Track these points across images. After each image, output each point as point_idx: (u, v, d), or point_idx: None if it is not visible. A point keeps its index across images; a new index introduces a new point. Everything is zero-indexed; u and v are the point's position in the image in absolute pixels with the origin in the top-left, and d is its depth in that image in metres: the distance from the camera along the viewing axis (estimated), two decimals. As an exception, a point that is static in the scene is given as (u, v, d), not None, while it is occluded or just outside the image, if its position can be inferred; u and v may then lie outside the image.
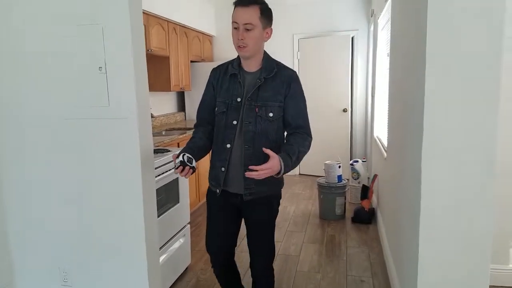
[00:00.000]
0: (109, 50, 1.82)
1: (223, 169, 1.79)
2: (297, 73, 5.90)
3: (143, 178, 1.90)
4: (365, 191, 4.13)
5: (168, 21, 4.46)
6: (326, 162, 4.08)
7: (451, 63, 1.54)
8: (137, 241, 1.93)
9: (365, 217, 3.82)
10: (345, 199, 4.02)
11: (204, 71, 5.47)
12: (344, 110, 5.60)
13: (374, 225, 3.79)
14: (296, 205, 4.54)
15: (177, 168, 1.64)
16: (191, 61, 5.32)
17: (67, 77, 1.89)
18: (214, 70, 1.89)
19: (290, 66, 5.94)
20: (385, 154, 3.31)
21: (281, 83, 1.79)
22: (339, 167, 4.00)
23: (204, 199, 2.78)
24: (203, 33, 5.62)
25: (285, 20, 5.71)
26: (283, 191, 2.02)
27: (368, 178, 4.69)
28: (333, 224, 3.89)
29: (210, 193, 1.94)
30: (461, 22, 1.51)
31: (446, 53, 1.53)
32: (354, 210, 3.96)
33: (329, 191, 3.96)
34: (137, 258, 1.95)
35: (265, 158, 1.62)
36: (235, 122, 1.76)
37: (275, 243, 2.00)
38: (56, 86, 1.91)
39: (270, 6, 1.78)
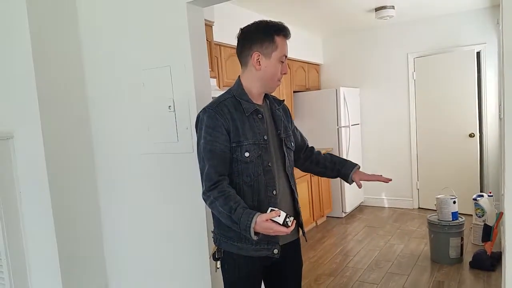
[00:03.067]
0: (176, 89, 2.10)
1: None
2: (414, 94, 5.55)
3: (207, 207, 2.09)
4: (488, 231, 3.62)
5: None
6: (439, 196, 3.73)
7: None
8: (202, 266, 2.11)
9: (487, 263, 3.34)
10: (461, 240, 3.59)
11: (308, 99, 5.61)
12: (471, 135, 5.05)
13: (498, 273, 3.29)
14: (405, 243, 4.22)
15: (291, 225, 1.40)
16: (294, 91, 5.52)
17: (142, 115, 2.22)
18: (215, 111, 1.56)
19: (405, 88, 5.60)
20: None
21: (284, 112, 1.82)
22: (454, 202, 3.62)
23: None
24: (308, 63, 5.80)
25: (397, 39, 5.56)
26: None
27: (496, 214, 4.10)
28: (445, 269, 3.49)
29: (244, 262, 1.63)
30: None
31: None
32: (474, 253, 3.50)
33: (441, 230, 3.59)
34: (203, 282, 2.12)
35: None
36: (270, 164, 1.62)
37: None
38: (134, 124, 2.27)
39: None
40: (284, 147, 1.70)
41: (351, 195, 5.60)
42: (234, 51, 4.06)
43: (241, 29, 1.64)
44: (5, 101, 2.33)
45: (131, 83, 2.24)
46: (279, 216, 1.39)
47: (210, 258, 1.76)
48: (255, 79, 1.63)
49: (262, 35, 1.58)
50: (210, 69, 3.46)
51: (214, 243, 1.70)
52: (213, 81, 3.44)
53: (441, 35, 5.31)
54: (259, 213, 1.42)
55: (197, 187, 2.05)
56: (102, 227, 2.48)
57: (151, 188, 2.26)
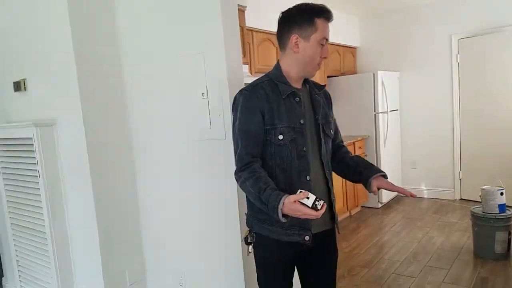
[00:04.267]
0: (209, 76, 2.18)
1: None
2: (458, 79, 5.39)
3: (239, 194, 2.18)
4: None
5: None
6: (484, 187, 3.65)
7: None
8: (235, 251, 2.22)
9: (534, 258, 3.28)
10: (509, 234, 3.52)
11: (343, 84, 5.59)
12: (519, 123, 4.89)
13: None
14: (446, 236, 4.19)
15: (321, 208, 1.41)
16: (328, 76, 5.51)
17: (176, 102, 2.34)
18: (250, 93, 1.62)
19: (448, 71, 5.41)
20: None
21: (325, 98, 1.83)
22: (502, 194, 3.53)
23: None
24: (344, 46, 5.76)
25: (440, 19, 5.42)
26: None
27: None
28: (490, 265, 3.45)
29: (275, 247, 1.67)
30: None
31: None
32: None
33: (486, 223, 3.53)
34: (235, 265, 2.23)
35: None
36: (305, 149, 1.64)
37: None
38: (168, 111, 2.39)
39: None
40: (321, 133, 1.71)
41: (389, 184, 5.55)
42: (267, 36, 4.20)
43: (282, 12, 1.67)
44: (49, 90, 2.53)
45: (166, 70, 2.35)
46: (307, 198, 1.40)
47: (242, 241, 1.83)
48: (293, 63, 1.66)
49: (302, 17, 1.60)
50: (242, 55, 3.53)
51: (247, 225, 1.77)
52: (245, 67, 3.51)
53: (487, 14, 5.12)
54: (287, 194, 1.45)
55: (230, 173, 2.15)
56: (139, 210, 2.65)
57: (185, 174, 2.38)
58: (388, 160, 5.56)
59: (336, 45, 5.56)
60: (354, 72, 6.09)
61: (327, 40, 1.64)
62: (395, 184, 1.74)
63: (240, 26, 3.50)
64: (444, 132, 5.62)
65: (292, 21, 1.62)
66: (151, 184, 2.57)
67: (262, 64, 4.11)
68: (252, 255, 1.79)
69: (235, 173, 1.63)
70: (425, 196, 5.80)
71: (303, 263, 1.80)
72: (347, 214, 5.10)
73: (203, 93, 2.23)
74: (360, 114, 5.47)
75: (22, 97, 2.74)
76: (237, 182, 1.63)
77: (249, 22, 3.69)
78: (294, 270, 1.80)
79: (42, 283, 2.69)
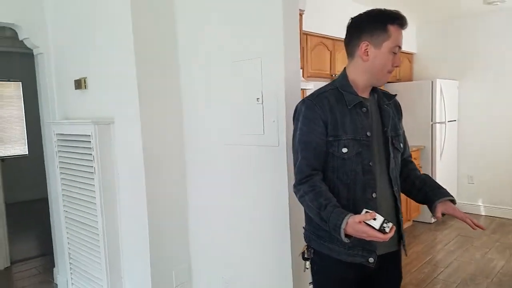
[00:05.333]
0: (265, 82, 2.14)
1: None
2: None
3: (290, 202, 2.11)
4: None
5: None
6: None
7: None
8: (284, 264, 2.16)
9: None
10: None
11: (399, 91, 5.29)
12: None
13: None
14: (507, 259, 3.90)
15: (389, 231, 1.30)
16: (385, 83, 5.31)
17: (230, 106, 2.31)
18: (314, 102, 1.54)
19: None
20: None
21: (395, 108, 1.72)
22: None
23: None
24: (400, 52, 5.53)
25: (505, 25, 5.10)
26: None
27: None
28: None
29: (335, 266, 1.58)
30: None
31: None
32: None
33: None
34: (283, 278, 2.16)
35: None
36: (371, 164, 1.53)
37: None
38: (222, 115, 2.36)
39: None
40: (390, 146, 1.59)
41: (443, 198, 5.28)
42: (320, 40, 4.12)
43: (352, 18, 1.59)
44: (109, 89, 2.59)
45: (222, 74, 2.33)
46: (374, 219, 1.29)
47: (299, 256, 1.75)
48: (361, 71, 1.56)
49: (373, 23, 1.51)
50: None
51: (304, 240, 1.69)
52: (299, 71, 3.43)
53: None
54: (352, 213, 1.35)
55: (281, 180, 2.10)
56: (188, 212, 2.65)
57: (236, 179, 2.35)
58: (444, 173, 5.28)
59: (393, 51, 5.35)
60: (410, 79, 5.85)
61: (400, 48, 1.53)
62: (460, 211, 1.60)
63: (296, 30, 3.46)
64: (505, 145, 5.26)
65: (363, 27, 1.54)
66: (202, 187, 2.56)
67: (315, 68, 4.03)
68: (308, 272, 1.71)
69: (294, 186, 1.56)
70: (482, 214, 5.46)
71: (363, 286, 1.66)
72: (397, 227, 4.88)
73: (258, 98, 2.18)
74: (416, 124, 5.23)
75: (82, 95, 2.83)
76: (296, 195, 1.56)
77: (304, 26, 3.62)
78: None
79: (92, 277, 2.75)
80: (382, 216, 1.31)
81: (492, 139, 5.36)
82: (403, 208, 4.84)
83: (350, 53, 1.60)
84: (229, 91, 2.30)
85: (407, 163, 1.77)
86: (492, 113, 5.34)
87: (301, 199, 1.52)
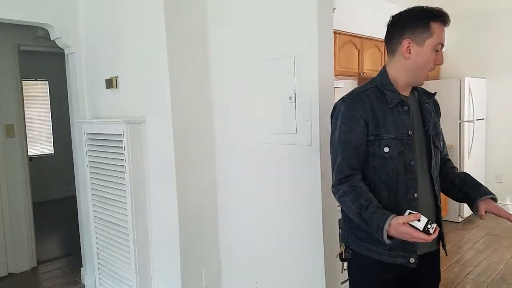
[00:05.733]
0: (298, 80, 2.11)
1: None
2: None
3: (323, 202, 2.08)
4: None
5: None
6: None
7: None
8: (317, 266, 2.13)
9: None
10: None
11: (429, 89, 5.25)
12: None
13: None
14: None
15: (433, 232, 1.28)
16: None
17: (263, 105, 2.29)
18: (353, 101, 1.51)
19: None
20: None
21: (434, 106, 1.69)
22: None
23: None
24: (429, 48, 5.43)
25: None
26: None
27: None
28: None
29: (374, 267, 1.55)
30: None
31: None
32: None
33: None
34: (315, 281, 2.14)
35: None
36: (412, 163, 1.50)
37: None
38: (255, 113, 2.35)
39: None
40: (432, 145, 1.58)
41: (471, 198, 5.17)
42: (349, 38, 4.09)
43: (392, 16, 1.57)
44: (140, 89, 2.60)
45: (255, 72, 2.31)
46: (419, 220, 1.26)
47: (336, 257, 1.73)
48: (403, 69, 1.54)
49: (415, 21, 1.49)
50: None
51: (342, 241, 1.66)
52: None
53: None
54: (394, 214, 1.33)
55: (315, 181, 2.07)
56: (217, 212, 2.64)
57: (267, 178, 2.32)
58: (472, 172, 5.01)
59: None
60: (437, 77, 5.73)
61: (442, 45, 1.50)
62: (503, 209, 1.56)
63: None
64: (536, 144, 5.11)
65: (405, 24, 1.50)
66: (232, 186, 2.55)
67: (343, 67, 3.98)
68: (339, 273, 1.69)
69: (333, 186, 1.53)
70: (511, 213, 5.30)
71: (402, 286, 1.63)
72: (424, 227, 4.79)
73: (290, 97, 2.16)
74: (444, 122, 4.98)
75: (113, 94, 2.84)
76: (335, 195, 1.53)
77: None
78: None
79: (121, 278, 2.75)
80: (425, 217, 1.28)
81: (520, 137, 5.22)
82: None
83: (392, 50, 1.57)
84: (262, 90, 2.29)
85: (445, 162, 1.74)
86: (521, 111, 5.20)
87: (340, 199, 1.50)
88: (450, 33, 5.56)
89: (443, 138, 1.72)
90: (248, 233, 2.48)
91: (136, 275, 2.57)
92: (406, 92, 1.58)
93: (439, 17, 1.48)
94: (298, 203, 2.19)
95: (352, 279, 1.66)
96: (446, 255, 1.68)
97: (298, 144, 2.15)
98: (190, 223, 2.48)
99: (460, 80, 5.00)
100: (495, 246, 4.19)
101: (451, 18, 1.54)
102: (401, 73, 1.54)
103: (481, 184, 1.65)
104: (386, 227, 1.31)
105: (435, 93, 1.70)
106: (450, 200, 5.05)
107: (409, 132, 1.51)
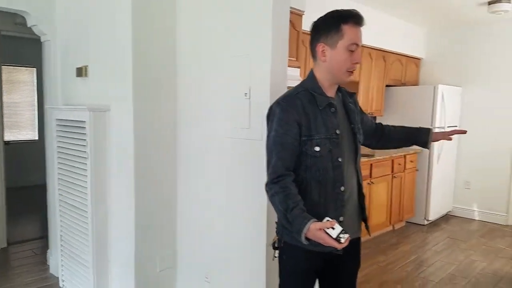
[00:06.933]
0: (253, 78, 2.17)
1: (341, 218, 1.60)
2: None
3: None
4: None
5: (363, 46, 4.64)
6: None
7: None
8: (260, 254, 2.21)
9: None
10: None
11: (402, 95, 5.37)
12: None
13: None
14: (489, 262, 3.91)
15: (344, 242, 1.38)
16: (388, 85, 5.31)
17: (222, 101, 2.36)
18: (288, 104, 1.59)
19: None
20: None
21: (355, 104, 1.80)
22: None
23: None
24: (407, 56, 5.52)
25: (510, 35, 5.05)
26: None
27: None
28: (531, 297, 3.19)
29: (304, 256, 1.64)
30: None
31: None
32: None
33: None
34: (258, 268, 2.21)
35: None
36: (340, 159, 1.61)
37: None
38: (213, 108, 2.42)
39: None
40: (357, 141, 1.71)
41: (438, 202, 5.29)
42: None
43: (313, 22, 1.65)
44: (106, 78, 2.66)
45: (215, 69, 2.39)
46: (333, 229, 1.37)
47: (269, 246, 1.81)
48: (323, 72, 1.63)
49: (328, 25, 1.57)
50: (295, 59, 3.50)
51: (276, 234, 1.74)
52: (297, 71, 3.46)
53: None
54: (315, 219, 1.42)
55: (262, 174, 2.13)
56: (177, 201, 2.71)
57: (222, 170, 2.39)
58: (440, 177, 5.28)
59: (399, 54, 5.35)
60: (416, 83, 5.83)
61: (357, 45, 1.57)
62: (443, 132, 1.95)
63: (296, 30, 3.49)
64: (502, 153, 5.25)
65: (319, 29, 1.60)
66: (190, 177, 2.61)
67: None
68: (276, 261, 1.76)
69: (266, 185, 1.60)
70: (476, 218, 5.44)
71: (326, 271, 1.75)
72: (390, 228, 4.89)
73: (246, 93, 2.23)
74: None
75: (83, 83, 2.89)
76: (267, 194, 1.60)
77: (306, 26, 3.62)
78: (316, 278, 1.78)
79: (80, 260, 2.82)
80: (340, 226, 1.39)
81: (490, 146, 5.33)
82: (396, 210, 4.93)
83: (313, 55, 1.66)
84: (221, 86, 2.35)
85: (377, 127, 2.00)
86: (492, 121, 5.31)
87: (271, 198, 1.57)
88: (431, 43, 5.71)
89: (368, 118, 1.96)
90: (203, 222, 2.54)
91: (93, 257, 2.64)
92: (332, 93, 1.68)
93: (350, 18, 1.55)
94: (248, 195, 2.25)
95: (281, 267, 1.74)
96: (369, 235, 1.85)
97: (251, 138, 2.22)
98: (148, 210, 2.54)
99: (434, 87, 5.09)
100: (452, 248, 4.30)
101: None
102: (324, 75, 1.64)
103: (418, 128, 1.96)
104: (304, 230, 1.42)
105: (355, 92, 1.83)
106: (417, 204, 5.19)
107: (337, 131, 1.62)
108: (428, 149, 1.96)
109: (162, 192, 2.62)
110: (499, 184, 5.26)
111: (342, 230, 1.37)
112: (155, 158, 2.57)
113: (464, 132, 1.93)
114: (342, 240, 1.36)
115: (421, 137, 1.92)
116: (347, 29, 1.55)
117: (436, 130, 4.84)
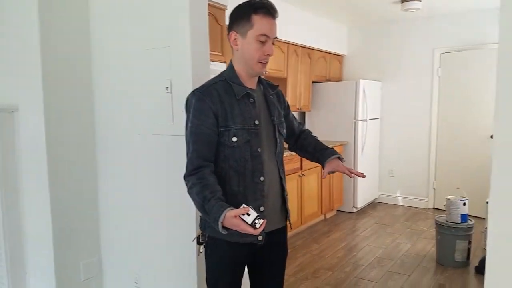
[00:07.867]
0: (174, 71, 2.10)
1: (262, 208, 1.59)
2: (437, 91, 5.37)
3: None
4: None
5: (288, 43, 4.72)
6: (449, 197, 3.63)
7: None
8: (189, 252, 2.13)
9: (493, 270, 3.23)
10: (469, 243, 3.49)
11: (328, 91, 5.53)
12: (492, 137, 4.86)
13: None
14: (413, 243, 4.14)
15: (259, 227, 1.35)
16: (314, 82, 5.45)
17: (142, 96, 2.24)
18: (203, 94, 1.54)
19: (429, 84, 5.40)
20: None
21: (278, 97, 1.79)
22: (464, 204, 3.51)
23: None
24: (330, 53, 5.70)
25: (424, 33, 5.42)
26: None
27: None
28: (448, 272, 3.41)
29: (228, 249, 1.61)
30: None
31: None
32: (481, 258, 3.40)
33: (448, 232, 3.50)
34: (187, 266, 2.14)
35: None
36: (259, 150, 1.59)
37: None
38: (134, 104, 2.29)
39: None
40: (276, 133, 1.68)
41: (364, 190, 5.52)
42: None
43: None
44: (12, 75, 2.40)
45: (133, 63, 2.25)
46: (248, 215, 1.35)
47: (193, 241, 1.76)
48: (237, 61, 1.61)
49: (240, 14, 1.56)
50: (220, 53, 3.45)
51: (200, 227, 1.69)
52: (223, 66, 3.41)
53: (469, 32, 5.12)
54: (231, 207, 1.39)
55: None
56: (98, 206, 2.53)
57: (145, 169, 2.28)
58: (366, 167, 5.50)
59: (323, 51, 5.50)
60: (340, 79, 6.04)
61: (268, 36, 1.54)
62: (344, 166, 1.81)
63: (219, 24, 3.44)
64: (421, 142, 5.59)
65: (233, 18, 1.59)
66: (112, 179, 2.46)
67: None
68: (202, 255, 1.71)
69: (184, 178, 1.54)
70: (400, 204, 5.76)
71: (253, 261, 1.73)
72: (322, 217, 5.02)
73: (167, 88, 2.14)
74: (341, 121, 5.41)
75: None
76: (186, 186, 1.54)
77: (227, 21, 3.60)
78: (244, 269, 1.75)
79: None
80: (255, 212, 1.37)
81: (409, 136, 5.66)
82: (326, 200, 5.04)
83: (230, 44, 1.63)
84: (140, 80, 2.23)
85: (300, 135, 1.95)
86: (409, 113, 5.64)
87: (189, 190, 1.52)
88: (352, 40, 5.93)
89: (292, 119, 1.91)
90: (128, 225, 2.40)
91: (7, 270, 2.40)
92: (251, 85, 1.65)
93: (260, 8, 1.52)
94: (175, 192, 2.16)
95: (207, 260, 1.69)
96: (291, 228, 1.83)
97: (174, 134, 2.13)
98: (66, 218, 2.35)
99: (356, 83, 5.30)
100: (380, 233, 4.51)
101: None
102: (239, 65, 1.61)
103: (327, 148, 1.87)
104: (221, 219, 1.38)
105: (278, 85, 1.80)
106: (345, 193, 5.37)
107: (256, 122, 1.59)
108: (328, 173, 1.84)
109: (82, 193, 2.44)
110: (421, 171, 5.60)
111: (258, 216, 1.35)
112: (72, 158, 2.38)
113: (363, 176, 1.77)
114: (257, 226, 1.34)
115: (324, 158, 1.82)
116: (257, 19, 1.52)
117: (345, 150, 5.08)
